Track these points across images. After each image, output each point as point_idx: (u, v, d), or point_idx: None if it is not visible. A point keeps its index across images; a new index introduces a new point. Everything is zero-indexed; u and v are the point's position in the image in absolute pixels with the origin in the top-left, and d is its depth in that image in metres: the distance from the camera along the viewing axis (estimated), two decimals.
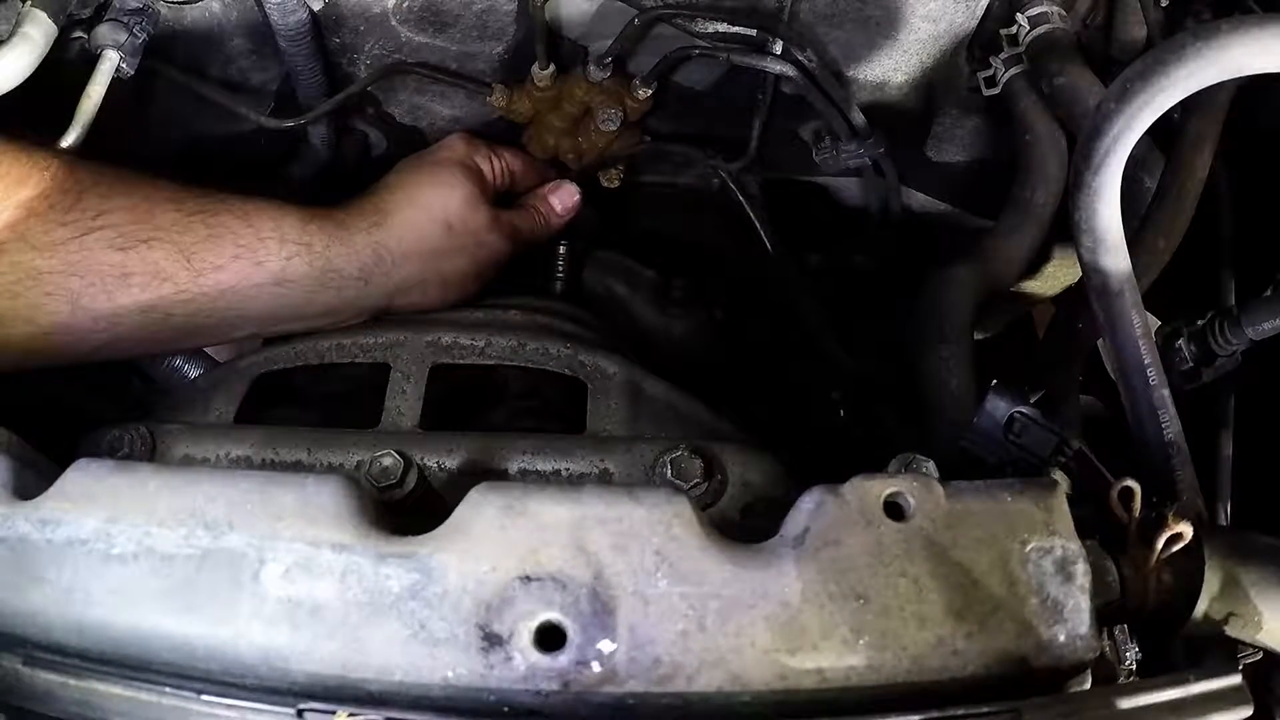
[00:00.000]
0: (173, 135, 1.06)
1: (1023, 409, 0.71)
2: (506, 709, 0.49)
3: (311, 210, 0.85)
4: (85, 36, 0.89)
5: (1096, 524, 0.58)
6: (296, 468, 0.73)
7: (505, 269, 0.98)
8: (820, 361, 1.10)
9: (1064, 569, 0.53)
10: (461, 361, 0.82)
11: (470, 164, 0.98)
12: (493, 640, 0.49)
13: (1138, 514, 0.57)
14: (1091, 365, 0.91)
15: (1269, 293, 0.82)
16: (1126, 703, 0.50)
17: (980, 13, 0.98)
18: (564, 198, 1.06)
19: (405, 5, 0.97)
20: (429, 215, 0.90)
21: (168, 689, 0.50)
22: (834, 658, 0.50)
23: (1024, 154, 0.96)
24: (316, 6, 0.94)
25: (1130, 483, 0.57)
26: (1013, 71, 0.96)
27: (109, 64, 0.87)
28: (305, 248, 0.82)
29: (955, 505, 0.54)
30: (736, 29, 0.99)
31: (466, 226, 0.92)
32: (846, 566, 0.52)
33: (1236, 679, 0.50)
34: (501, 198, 1.02)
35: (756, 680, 0.49)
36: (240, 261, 0.79)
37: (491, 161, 1.01)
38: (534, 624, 0.49)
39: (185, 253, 0.77)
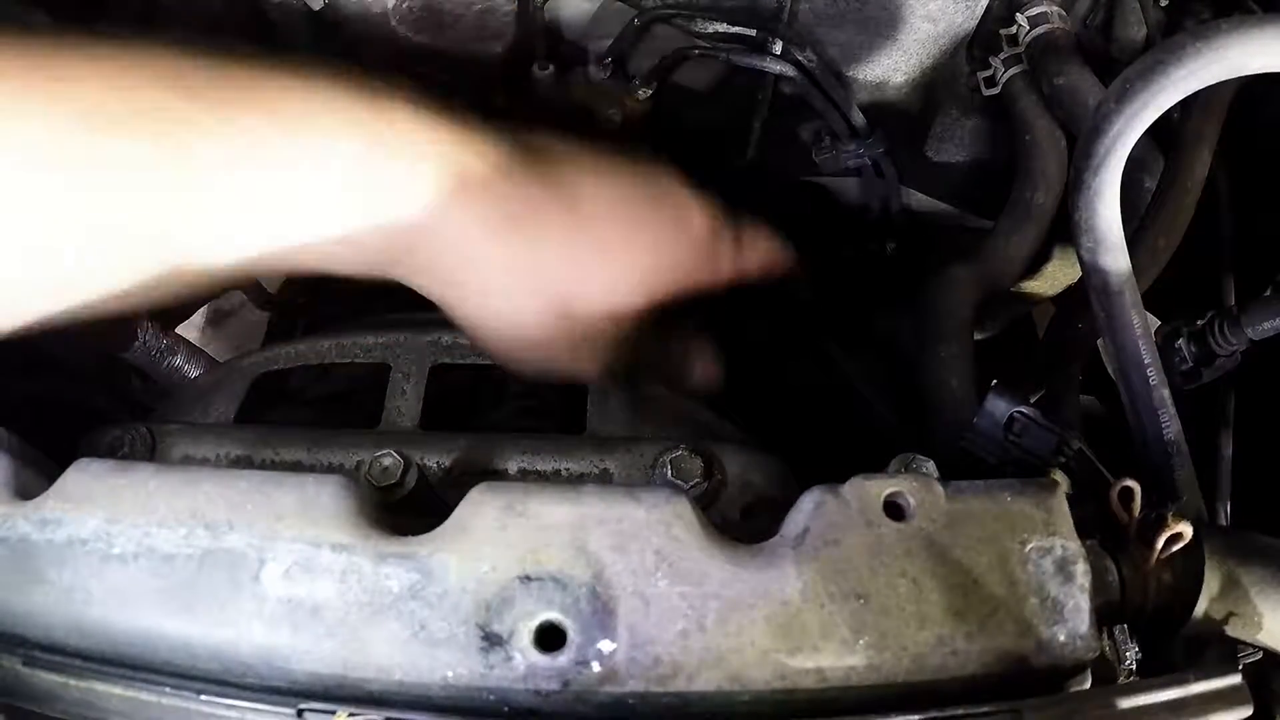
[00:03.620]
0: None
1: (1023, 409, 0.71)
2: (506, 709, 0.49)
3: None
4: None
5: (1096, 524, 0.58)
6: (296, 468, 0.73)
7: None
8: (820, 361, 1.10)
9: (1064, 569, 0.53)
10: (461, 361, 0.82)
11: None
12: (493, 640, 0.49)
13: (1138, 514, 0.57)
14: (1091, 365, 0.92)
15: (1269, 293, 0.82)
16: (1126, 703, 0.49)
17: (980, 13, 0.98)
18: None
19: (405, 6, 0.97)
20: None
21: (168, 689, 0.50)
22: (834, 658, 0.50)
23: (1024, 154, 0.96)
24: (316, 6, 0.94)
25: (1130, 483, 0.57)
26: (1012, 71, 0.97)
27: None
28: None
29: (955, 505, 0.54)
30: (736, 29, 0.99)
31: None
32: (846, 566, 0.52)
33: (1236, 679, 0.50)
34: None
35: (756, 680, 0.49)
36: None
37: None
38: (534, 624, 0.49)
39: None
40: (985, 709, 0.49)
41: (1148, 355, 0.68)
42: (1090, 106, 0.86)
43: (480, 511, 0.53)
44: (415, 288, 0.60)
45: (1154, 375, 0.68)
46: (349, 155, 0.53)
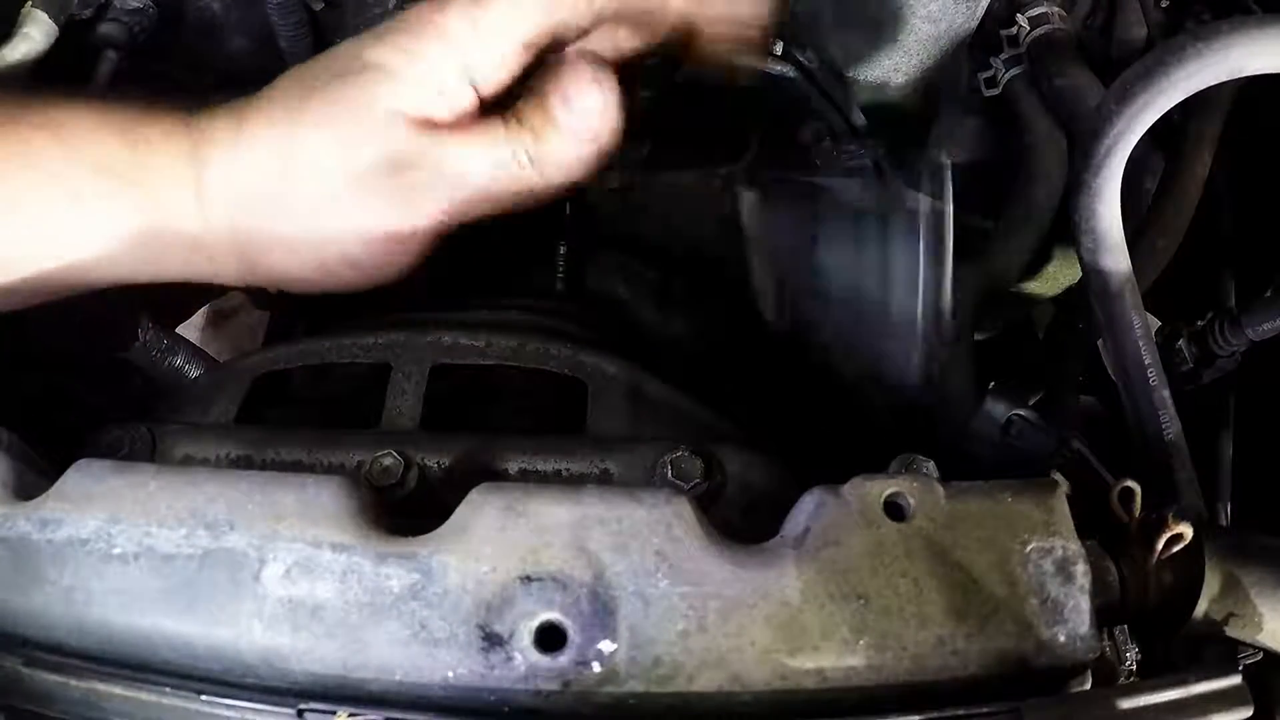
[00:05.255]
0: None
1: (1021, 411, 0.71)
2: (506, 709, 0.49)
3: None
4: (85, 37, 0.89)
5: (1096, 524, 0.58)
6: (296, 468, 0.73)
7: (504, 267, 0.97)
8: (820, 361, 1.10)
9: (1064, 569, 0.53)
10: (462, 362, 0.82)
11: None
12: (493, 640, 0.49)
13: (1138, 515, 0.57)
14: (1091, 365, 0.92)
15: (1269, 293, 0.82)
16: (1126, 703, 0.50)
17: (980, 13, 0.98)
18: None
19: (406, 4, 0.97)
20: None
21: (168, 689, 0.50)
22: (834, 658, 0.50)
23: (1024, 154, 0.96)
24: (317, 7, 0.94)
25: (1130, 483, 0.57)
26: (1013, 72, 0.97)
27: (108, 64, 0.87)
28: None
29: (955, 505, 0.54)
30: None
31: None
32: (847, 567, 0.52)
33: (1236, 679, 0.50)
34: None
35: (757, 680, 0.49)
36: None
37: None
38: (534, 624, 0.49)
39: None
40: (985, 709, 0.49)
41: (1148, 356, 0.68)
42: (1090, 107, 0.86)
43: (480, 512, 0.53)
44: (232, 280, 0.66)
45: (1154, 376, 0.68)
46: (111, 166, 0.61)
